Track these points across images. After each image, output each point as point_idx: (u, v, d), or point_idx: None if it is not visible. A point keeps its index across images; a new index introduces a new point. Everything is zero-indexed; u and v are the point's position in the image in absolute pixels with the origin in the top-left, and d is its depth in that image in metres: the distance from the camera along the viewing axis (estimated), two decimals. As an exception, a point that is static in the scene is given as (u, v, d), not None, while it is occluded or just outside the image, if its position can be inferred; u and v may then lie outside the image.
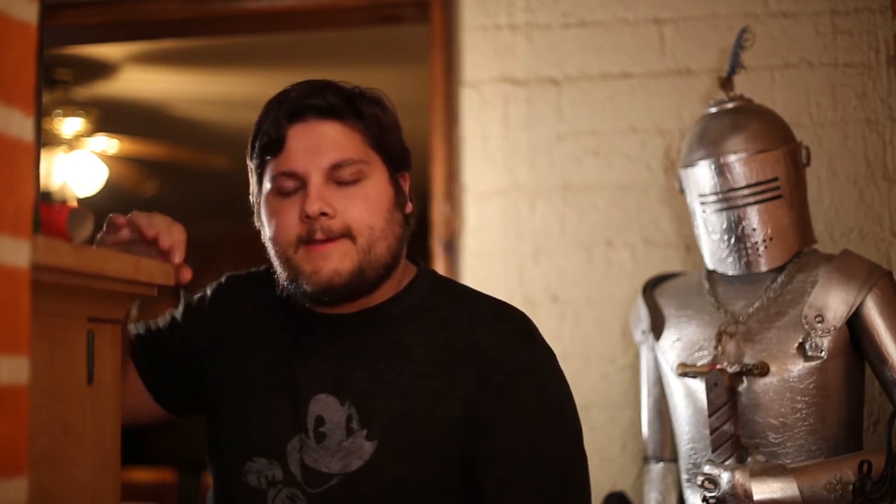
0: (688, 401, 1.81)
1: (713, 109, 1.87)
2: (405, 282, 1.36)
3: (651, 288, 1.98)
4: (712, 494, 1.63)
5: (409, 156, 1.38)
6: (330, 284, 1.26)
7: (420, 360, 1.29)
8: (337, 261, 1.26)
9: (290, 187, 1.28)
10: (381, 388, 1.28)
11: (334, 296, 1.28)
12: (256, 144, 1.32)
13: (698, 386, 1.76)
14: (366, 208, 1.27)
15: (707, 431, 1.71)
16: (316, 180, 1.26)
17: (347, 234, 1.26)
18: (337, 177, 1.27)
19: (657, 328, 1.90)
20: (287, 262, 1.28)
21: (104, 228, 1.27)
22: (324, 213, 1.25)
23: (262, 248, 1.35)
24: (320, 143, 1.27)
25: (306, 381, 1.31)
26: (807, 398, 1.69)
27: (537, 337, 1.34)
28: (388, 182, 1.31)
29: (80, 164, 4.31)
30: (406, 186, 1.36)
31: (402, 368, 1.29)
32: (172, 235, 1.25)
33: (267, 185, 1.31)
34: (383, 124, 1.32)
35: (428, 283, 1.38)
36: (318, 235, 1.25)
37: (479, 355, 1.28)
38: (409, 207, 1.35)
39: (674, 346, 1.85)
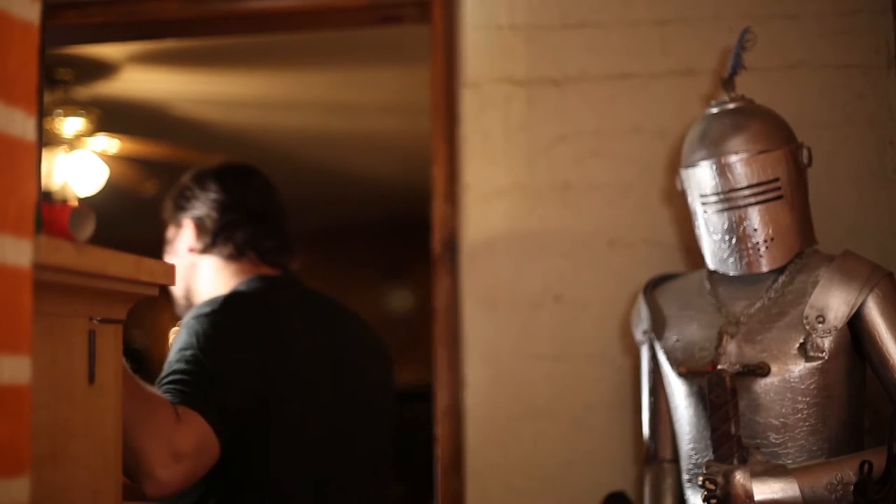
0: (689, 401, 1.81)
1: (714, 110, 1.87)
2: None
3: (652, 288, 1.98)
4: (713, 495, 1.63)
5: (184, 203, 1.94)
6: None
7: None
8: None
9: None
10: None
11: None
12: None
13: (699, 386, 1.76)
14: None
15: (708, 432, 1.71)
16: None
17: None
18: None
19: (658, 328, 1.90)
20: None
21: None
22: None
23: None
24: None
25: None
26: (808, 398, 1.69)
27: (216, 305, 1.67)
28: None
29: (80, 164, 4.31)
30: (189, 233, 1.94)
31: None
32: None
33: None
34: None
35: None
36: None
37: None
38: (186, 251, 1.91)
39: (675, 347, 1.85)
